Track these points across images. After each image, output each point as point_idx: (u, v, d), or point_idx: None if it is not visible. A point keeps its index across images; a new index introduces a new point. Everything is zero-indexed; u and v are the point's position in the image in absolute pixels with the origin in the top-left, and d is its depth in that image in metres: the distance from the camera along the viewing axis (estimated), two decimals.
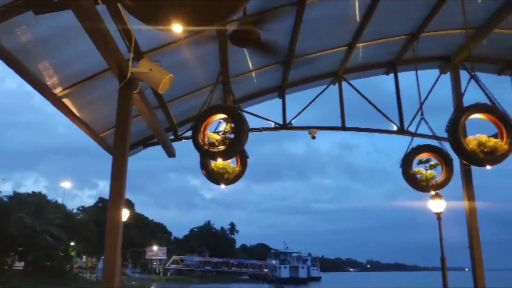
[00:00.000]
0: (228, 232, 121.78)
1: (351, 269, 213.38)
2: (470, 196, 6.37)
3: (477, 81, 5.75)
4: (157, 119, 6.27)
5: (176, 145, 7.65)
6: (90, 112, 6.13)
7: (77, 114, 5.82)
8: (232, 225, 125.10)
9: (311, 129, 7.33)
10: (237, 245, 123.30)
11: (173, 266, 79.83)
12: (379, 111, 7.68)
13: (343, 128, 7.60)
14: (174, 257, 79.42)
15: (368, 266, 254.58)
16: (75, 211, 60.59)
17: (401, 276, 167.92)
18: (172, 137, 7.65)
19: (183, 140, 7.69)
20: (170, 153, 7.62)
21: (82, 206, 68.52)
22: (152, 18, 2.59)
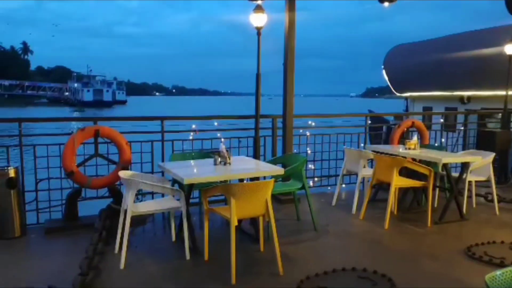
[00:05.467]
0: (20, 52, 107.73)
1: (157, 93, 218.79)
2: (292, 8, 6.06)
3: None
4: None
5: None
6: None
7: None
8: (25, 44, 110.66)
9: None
10: (33, 67, 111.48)
11: None
12: None
13: None
14: None
15: (174, 90, 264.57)
16: None
17: (204, 99, 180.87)
18: None
19: None
20: None
21: None
22: None
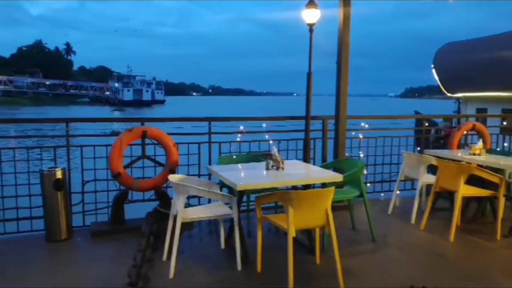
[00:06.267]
0: (64, 53, 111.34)
1: (194, 93, 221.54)
2: (347, 2, 5.65)
3: None
4: None
5: None
6: None
7: None
8: (68, 45, 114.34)
9: None
10: (75, 67, 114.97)
11: (0, 87, 71.89)
12: None
13: None
14: (0, 77, 70.93)
15: (210, 90, 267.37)
16: None
17: (240, 99, 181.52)
18: None
19: None
20: None
21: None
22: None
